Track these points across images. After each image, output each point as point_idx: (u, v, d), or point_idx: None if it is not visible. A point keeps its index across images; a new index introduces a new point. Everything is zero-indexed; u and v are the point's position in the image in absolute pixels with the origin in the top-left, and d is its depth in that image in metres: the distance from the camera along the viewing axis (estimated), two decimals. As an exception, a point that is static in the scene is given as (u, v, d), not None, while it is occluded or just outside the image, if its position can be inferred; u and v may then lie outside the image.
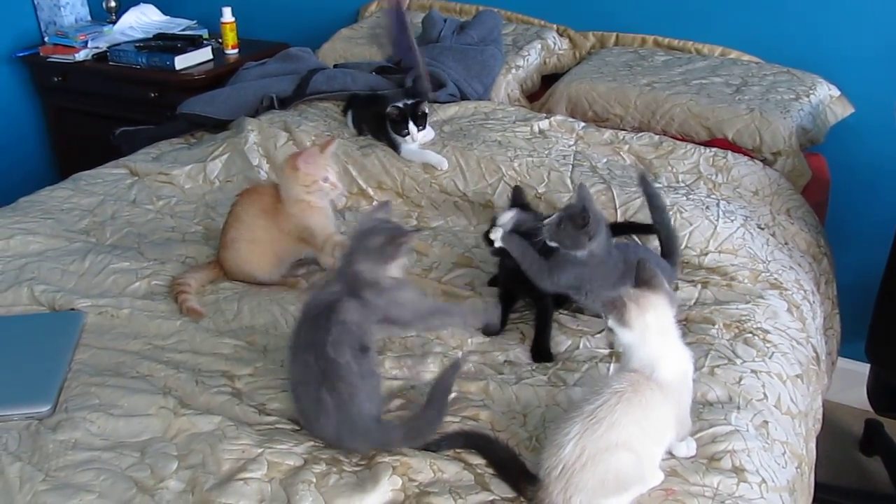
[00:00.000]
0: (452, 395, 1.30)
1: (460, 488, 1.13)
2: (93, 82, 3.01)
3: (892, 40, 2.26)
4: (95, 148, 2.46)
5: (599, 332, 1.49)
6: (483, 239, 1.54)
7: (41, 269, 1.70)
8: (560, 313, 1.56)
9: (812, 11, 2.35)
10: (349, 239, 1.30)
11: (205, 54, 2.94)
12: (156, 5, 3.28)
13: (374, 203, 1.95)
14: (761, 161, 2.04)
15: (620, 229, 1.71)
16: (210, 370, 1.40)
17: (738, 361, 1.41)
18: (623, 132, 2.11)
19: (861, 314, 2.09)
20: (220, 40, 3.02)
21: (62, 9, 3.17)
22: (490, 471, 1.17)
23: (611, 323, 1.14)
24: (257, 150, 2.12)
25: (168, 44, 2.93)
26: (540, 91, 2.53)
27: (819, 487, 1.44)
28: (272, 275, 1.70)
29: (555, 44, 2.62)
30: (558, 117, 2.17)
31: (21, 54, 3.11)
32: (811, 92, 2.20)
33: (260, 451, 1.19)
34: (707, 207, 1.77)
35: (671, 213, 1.69)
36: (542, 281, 1.46)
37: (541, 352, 1.46)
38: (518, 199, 1.58)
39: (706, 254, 1.70)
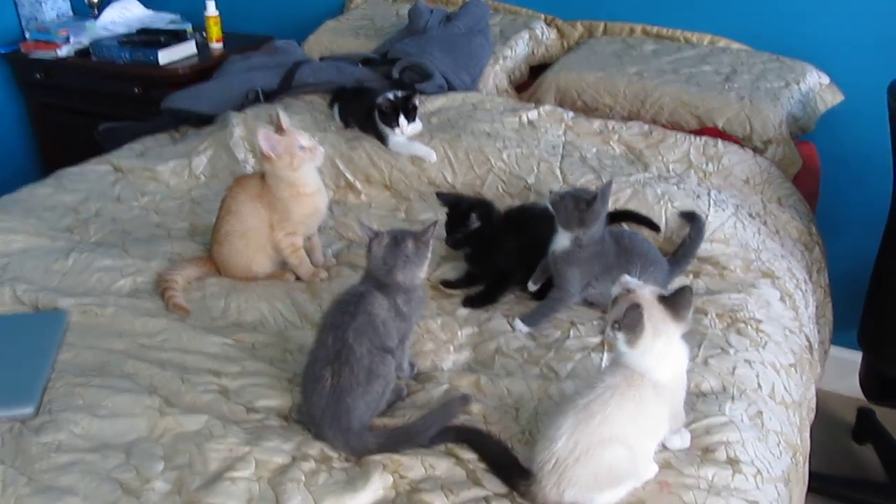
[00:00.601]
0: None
1: (452, 485, 1.12)
2: (76, 78, 2.97)
3: (881, 27, 2.25)
4: (79, 144, 2.42)
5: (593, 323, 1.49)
6: (446, 242, 1.64)
7: (23, 267, 1.67)
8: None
9: (801, -1, 2.35)
10: (373, 247, 1.29)
11: (189, 49, 2.91)
12: (138, -1, 3.25)
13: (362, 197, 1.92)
14: (752, 149, 2.03)
15: (615, 217, 1.70)
16: (197, 368, 1.38)
17: (732, 351, 1.40)
18: (613, 122, 2.10)
19: (853, 302, 2.09)
20: (204, 34, 2.98)
21: (43, 4, 3.14)
22: (482, 466, 1.15)
23: (618, 337, 1.09)
24: (243, 145, 2.10)
25: (151, 38, 2.89)
26: (528, 81, 2.51)
27: (812, 476, 1.44)
28: (267, 267, 1.68)
29: (542, 34, 2.60)
30: (547, 107, 2.16)
31: (2, 51, 3.07)
32: (801, 80, 2.19)
33: (247, 449, 1.17)
34: (698, 196, 1.75)
35: (661, 203, 1.69)
36: (569, 300, 1.52)
37: (473, 300, 1.57)
38: (449, 202, 1.65)
39: (697, 243, 1.68)
